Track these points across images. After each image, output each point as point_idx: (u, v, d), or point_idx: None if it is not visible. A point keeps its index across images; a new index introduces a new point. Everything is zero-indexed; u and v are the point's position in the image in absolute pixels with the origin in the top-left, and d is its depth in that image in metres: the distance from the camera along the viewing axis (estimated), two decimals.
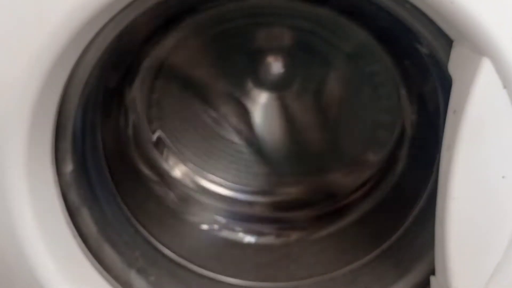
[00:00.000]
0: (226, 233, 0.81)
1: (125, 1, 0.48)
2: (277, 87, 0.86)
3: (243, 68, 0.86)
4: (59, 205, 0.58)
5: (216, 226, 0.81)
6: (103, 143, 0.70)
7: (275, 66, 0.85)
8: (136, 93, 0.79)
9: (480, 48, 0.46)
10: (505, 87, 0.47)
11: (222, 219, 0.83)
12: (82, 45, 0.50)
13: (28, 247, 0.54)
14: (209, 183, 0.87)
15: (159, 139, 0.85)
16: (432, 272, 0.60)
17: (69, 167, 0.59)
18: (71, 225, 0.60)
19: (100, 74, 0.59)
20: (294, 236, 0.81)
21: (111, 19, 0.51)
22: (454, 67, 0.50)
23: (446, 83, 0.53)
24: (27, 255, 0.55)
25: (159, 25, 0.70)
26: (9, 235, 0.54)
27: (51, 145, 0.55)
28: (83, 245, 0.61)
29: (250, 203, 0.86)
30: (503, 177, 0.50)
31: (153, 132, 0.84)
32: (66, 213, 0.59)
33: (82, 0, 0.45)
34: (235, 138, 0.88)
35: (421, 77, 0.68)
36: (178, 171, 0.86)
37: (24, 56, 0.47)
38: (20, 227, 0.53)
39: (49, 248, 0.55)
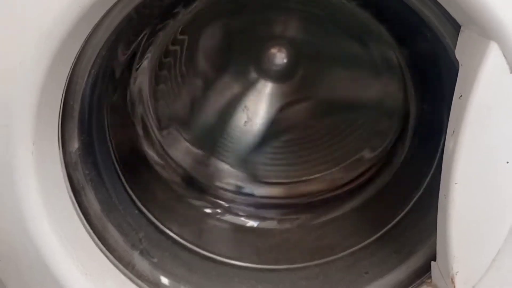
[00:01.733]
0: (229, 217, 0.81)
1: None
2: (282, 75, 0.86)
3: (247, 56, 0.86)
4: (64, 184, 0.58)
5: (219, 210, 0.82)
6: (109, 125, 0.70)
7: (279, 55, 0.85)
8: (142, 76, 0.79)
9: (487, 32, 0.46)
10: None
11: (225, 204, 0.83)
12: (90, 25, 0.50)
13: (33, 225, 0.55)
14: (214, 168, 0.87)
15: (164, 122, 0.85)
16: (433, 257, 0.61)
17: (75, 145, 0.59)
18: (76, 204, 0.60)
19: (108, 55, 0.59)
20: (295, 221, 0.81)
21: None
22: (461, 52, 0.50)
23: (452, 70, 0.53)
24: (32, 233, 0.55)
25: (167, 7, 0.70)
26: (15, 213, 0.54)
27: (58, 124, 0.55)
28: (87, 224, 0.61)
29: (253, 189, 0.87)
30: (507, 162, 0.51)
31: (158, 115, 0.84)
32: (71, 192, 0.59)
33: None
34: (241, 125, 0.88)
35: (427, 63, 0.68)
36: (183, 155, 0.86)
37: (33, 35, 0.47)
38: (26, 205, 0.54)
39: (54, 226, 0.56)
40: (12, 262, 0.58)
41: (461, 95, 0.49)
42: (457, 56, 0.51)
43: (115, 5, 0.52)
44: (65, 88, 0.54)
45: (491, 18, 0.45)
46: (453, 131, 0.51)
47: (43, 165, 0.54)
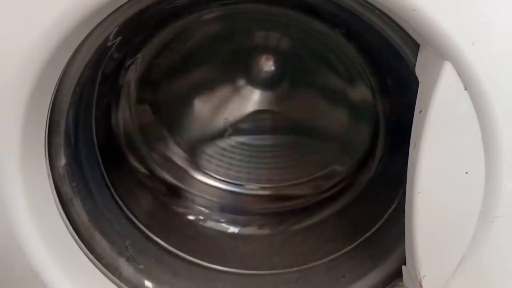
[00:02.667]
0: (211, 224, 0.84)
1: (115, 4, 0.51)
2: (266, 85, 0.90)
3: (233, 65, 0.90)
4: (52, 197, 0.61)
5: (201, 217, 0.85)
6: (95, 138, 0.73)
7: (265, 65, 0.88)
8: (127, 91, 0.82)
9: (442, 53, 0.49)
10: (466, 88, 0.50)
11: (206, 210, 0.86)
12: (74, 46, 0.53)
13: (22, 236, 0.58)
14: (197, 176, 0.91)
15: (150, 137, 0.89)
16: (404, 262, 0.64)
17: (62, 161, 0.62)
18: (64, 215, 0.63)
19: (92, 73, 0.62)
20: (275, 227, 0.84)
21: (100, 22, 0.54)
22: (420, 70, 0.54)
23: (415, 85, 0.56)
24: (21, 244, 0.58)
25: (151, 25, 0.73)
26: (4, 225, 0.57)
27: (45, 140, 0.58)
28: (75, 234, 0.64)
29: (234, 196, 0.90)
30: (466, 173, 0.54)
31: (143, 126, 0.88)
32: (59, 204, 0.62)
33: (72, 3, 0.48)
34: (222, 135, 0.92)
35: (394, 80, 0.71)
36: (167, 164, 0.89)
37: (17, 56, 0.50)
38: (14, 218, 0.57)
39: (43, 237, 0.59)
40: (3, 272, 0.61)
41: (421, 111, 0.53)
42: (417, 73, 0.54)
43: (97, 26, 0.55)
44: (51, 105, 0.57)
45: (445, 40, 0.48)
46: (415, 144, 0.54)
47: (31, 180, 0.57)
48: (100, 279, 0.66)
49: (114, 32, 0.58)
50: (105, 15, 0.53)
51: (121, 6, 0.53)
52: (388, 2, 0.48)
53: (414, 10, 0.47)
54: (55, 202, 0.62)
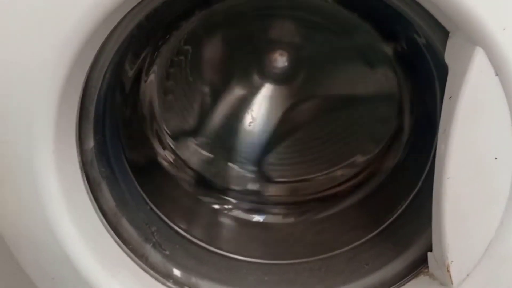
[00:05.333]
0: (236, 213, 0.85)
1: None
2: (283, 78, 0.90)
3: (249, 62, 0.90)
4: (82, 181, 0.62)
5: (227, 206, 0.86)
6: (120, 126, 0.74)
7: (279, 59, 0.88)
8: (150, 88, 0.83)
9: (473, 39, 0.49)
10: (497, 74, 0.50)
11: (233, 200, 0.87)
12: (106, 31, 0.54)
13: (54, 219, 0.58)
14: (222, 168, 0.91)
15: (174, 128, 0.89)
16: (429, 248, 0.65)
17: (90, 144, 0.63)
18: (93, 199, 0.64)
19: (121, 60, 0.63)
20: (299, 216, 0.85)
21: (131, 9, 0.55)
22: (450, 57, 0.54)
23: (442, 72, 0.57)
24: (54, 227, 0.59)
25: (176, 15, 0.74)
26: (37, 209, 0.58)
27: (76, 124, 0.59)
28: (103, 219, 0.65)
29: (260, 187, 0.91)
30: (495, 158, 0.54)
31: (168, 122, 0.89)
32: (88, 189, 0.63)
33: None
34: (246, 127, 0.92)
35: (419, 66, 0.71)
36: (193, 156, 0.90)
37: (53, 42, 0.51)
38: (47, 201, 0.58)
39: (74, 220, 0.60)
40: (35, 255, 0.62)
41: (451, 96, 0.53)
42: (446, 60, 0.55)
43: (126, 15, 0.55)
44: (82, 91, 0.58)
45: (476, 26, 0.49)
46: (444, 130, 0.54)
47: (62, 163, 0.58)
48: (128, 262, 0.67)
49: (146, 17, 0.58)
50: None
51: None
52: None
53: None
54: (85, 186, 0.63)
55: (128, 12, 0.55)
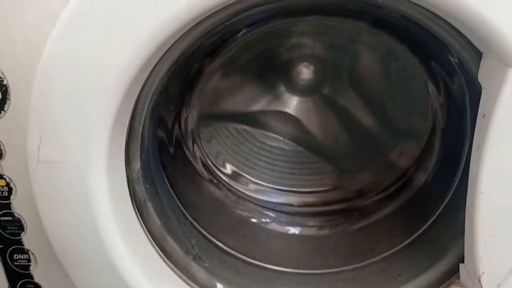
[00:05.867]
0: (273, 226, 0.88)
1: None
2: (309, 91, 0.93)
3: (278, 80, 0.92)
4: (129, 197, 0.66)
5: (265, 220, 0.88)
6: (162, 144, 0.78)
7: (309, 73, 0.91)
8: (193, 101, 0.87)
9: (506, 61, 0.52)
10: None
11: (272, 213, 0.90)
12: (159, 56, 0.57)
13: (104, 233, 0.62)
14: (257, 184, 0.95)
15: (212, 141, 0.93)
16: (461, 260, 0.67)
17: (137, 165, 0.67)
18: (138, 215, 0.67)
19: (166, 82, 0.66)
20: (334, 228, 0.87)
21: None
22: (483, 76, 0.57)
23: (473, 90, 0.60)
24: (103, 240, 0.62)
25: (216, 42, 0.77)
26: (89, 222, 0.61)
27: (126, 144, 0.63)
28: (147, 233, 0.69)
29: (296, 198, 0.93)
30: None
31: (206, 136, 0.92)
32: (135, 205, 0.67)
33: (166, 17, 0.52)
34: (275, 143, 0.95)
35: (452, 84, 0.74)
36: (229, 171, 0.94)
37: (113, 69, 0.54)
38: (99, 215, 0.61)
39: (122, 234, 0.63)
40: (85, 266, 0.65)
41: (484, 115, 0.56)
42: (480, 80, 0.57)
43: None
44: (132, 112, 0.62)
45: (509, 48, 0.51)
46: (478, 147, 0.57)
47: (113, 181, 0.61)
48: (171, 275, 0.70)
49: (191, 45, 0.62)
50: (184, 31, 0.57)
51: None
52: (457, 14, 0.51)
53: (483, 21, 0.50)
54: (132, 202, 0.66)
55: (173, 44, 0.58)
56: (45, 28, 0.56)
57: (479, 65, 0.58)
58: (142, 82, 0.59)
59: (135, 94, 0.59)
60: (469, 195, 0.60)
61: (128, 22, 0.52)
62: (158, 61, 0.59)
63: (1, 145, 0.65)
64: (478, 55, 0.58)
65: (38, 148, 0.58)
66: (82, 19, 0.53)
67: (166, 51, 0.58)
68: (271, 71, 0.90)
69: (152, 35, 0.52)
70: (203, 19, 0.56)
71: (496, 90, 0.53)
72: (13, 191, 0.69)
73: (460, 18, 0.51)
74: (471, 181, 0.59)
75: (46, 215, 0.63)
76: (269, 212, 0.90)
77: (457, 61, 0.63)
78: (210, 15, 0.55)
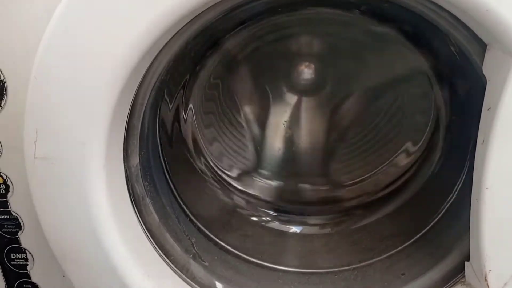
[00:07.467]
0: (274, 224, 0.87)
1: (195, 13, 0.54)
2: (315, 89, 0.92)
3: (281, 78, 0.91)
4: (128, 195, 0.65)
5: (265, 218, 0.87)
6: (159, 140, 0.77)
7: (310, 71, 0.90)
8: (193, 99, 0.86)
9: None
10: None
11: (273, 212, 0.89)
12: (156, 51, 0.56)
13: (103, 232, 0.61)
14: (260, 182, 0.94)
15: (211, 139, 0.92)
16: (466, 258, 0.66)
17: (136, 160, 0.66)
18: (137, 212, 0.66)
19: (164, 79, 0.65)
20: (336, 226, 0.86)
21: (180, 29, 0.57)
22: (488, 68, 0.56)
23: (479, 83, 0.58)
24: (102, 239, 0.61)
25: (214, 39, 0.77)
26: (87, 221, 0.60)
27: (124, 140, 0.62)
28: (147, 231, 0.67)
29: (298, 197, 0.93)
30: None
31: (206, 134, 0.91)
32: (133, 202, 0.66)
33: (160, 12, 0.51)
34: (282, 142, 0.94)
35: (455, 78, 0.73)
36: (230, 170, 0.93)
37: (110, 62, 0.53)
38: (97, 214, 0.60)
39: (121, 232, 0.62)
40: (83, 265, 0.64)
41: (490, 108, 0.54)
42: (485, 72, 0.56)
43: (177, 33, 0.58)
44: (130, 108, 0.61)
45: None
46: (483, 140, 0.56)
47: (111, 178, 0.60)
48: (170, 274, 0.69)
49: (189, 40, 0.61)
50: (184, 23, 0.56)
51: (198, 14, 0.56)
52: (461, 4, 0.50)
53: (487, 10, 0.49)
54: (130, 200, 0.65)
55: (171, 38, 0.57)
56: (41, 22, 0.55)
57: (483, 58, 0.57)
58: (140, 77, 0.58)
59: (133, 89, 0.58)
60: (474, 190, 0.58)
61: (124, 16, 0.51)
62: (157, 56, 0.58)
63: None
64: (482, 47, 0.56)
65: (35, 144, 0.57)
66: (78, 13, 0.52)
67: (164, 46, 0.57)
68: (272, 67, 0.88)
69: (150, 28, 0.51)
70: (200, 13, 0.55)
71: (502, 82, 0.52)
72: (10, 189, 0.68)
73: (464, 8, 0.50)
74: (476, 176, 0.57)
75: (43, 213, 0.62)
76: (270, 210, 0.89)
77: (461, 54, 0.62)
78: (207, 9, 0.55)
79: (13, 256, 0.73)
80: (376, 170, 0.91)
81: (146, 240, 0.67)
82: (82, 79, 0.53)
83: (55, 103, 0.55)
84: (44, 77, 0.54)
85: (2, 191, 0.67)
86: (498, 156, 0.54)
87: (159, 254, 0.68)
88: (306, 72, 0.90)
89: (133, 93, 0.59)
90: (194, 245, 0.74)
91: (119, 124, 0.59)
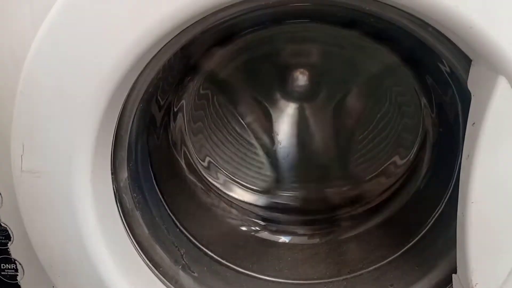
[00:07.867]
0: (263, 234, 0.87)
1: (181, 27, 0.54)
2: (309, 98, 0.92)
3: (271, 85, 0.92)
4: (116, 207, 0.65)
5: (254, 228, 0.87)
6: (151, 152, 0.77)
7: (302, 80, 0.90)
8: (181, 110, 0.86)
9: (496, 67, 0.51)
10: None
11: (261, 222, 0.89)
12: (143, 65, 0.56)
13: (90, 244, 0.61)
14: (248, 190, 0.94)
15: (203, 154, 0.92)
16: (453, 270, 0.66)
17: (124, 174, 0.66)
18: (125, 224, 0.66)
19: (152, 91, 0.65)
20: (325, 236, 0.86)
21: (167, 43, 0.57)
22: (473, 84, 0.56)
23: (465, 98, 0.59)
24: (89, 251, 0.61)
25: (205, 48, 0.77)
26: (74, 233, 0.60)
27: (111, 153, 0.62)
28: (135, 243, 0.68)
29: (287, 207, 0.93)
30: None
31: (198, 149, 0.91)
32: (121, 214, 0.66)
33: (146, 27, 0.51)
34: (270, 150, 0.95)
35: (442, 92, 0.73)
36: (220, 179, 0.93)
37: (95, 77, 0.53)
38: (84, 226, 0.60)
39: (108, 244, 0.62)
40: (71, 277, 0.64)
41: (474, 123, 0.55)
42: (469, 87, 0.56)
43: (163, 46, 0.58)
44: (118, 120, 0.61)
45: (499, 55, 0.50)
46: (468, 155, 0.56)
47: (98, 191, 0.60)
48: (159, 286, 0.69)
49: (177, 52, 0.61)
50: (172, 37, 0.56)
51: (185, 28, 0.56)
52: (445, 21, 0.50)
53: (471, 27, 0.49)
54: (118, 211, 0.65)
55: (159, 50, 0.57)
56: (28, 36, 0.55)
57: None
58: (127, 91, 0.58)
59: (120, 103, 0.58)
60: (460, 204, 0.58)
61: (110, 29, 0.51)
62: (144, 68, 0.58)
63: None
64: (468, 63, 0.57)
65: (21, 158, 0.57)
66: (64, 28, 0.52)
67: (152, 58, 0.57)
68: (263, 78, 0.89)
69: (135, 42, 0.51)
70: (188, 27, 0.55)
71: (486, 97, 0.52)
72: (0, 201, 0.68)
73: (448, 25, 0.50)
74: (461, 190, 0.58)
75: (31, 225, 0.62)
76: (259, 220, 0.89)
77: (448, 70, 0.62)
78: (195, 22, 0.55)
79: (3, 266, 0.73)
80: (363, 182, 0.91)
81: (135, 252, 0.67)
82: (68, 93, 0.53)
83: (41, 117, 0.55)
84: (31, 91, 0.54)
85: None
86: (483, 170, 0.55)
87: (148, 266, 0.68)
88: (298, 81, 0.91)
89: (120, 106, 0.59)
90: (183, 256, 0.74)
91: (106, 137, 0.59)
